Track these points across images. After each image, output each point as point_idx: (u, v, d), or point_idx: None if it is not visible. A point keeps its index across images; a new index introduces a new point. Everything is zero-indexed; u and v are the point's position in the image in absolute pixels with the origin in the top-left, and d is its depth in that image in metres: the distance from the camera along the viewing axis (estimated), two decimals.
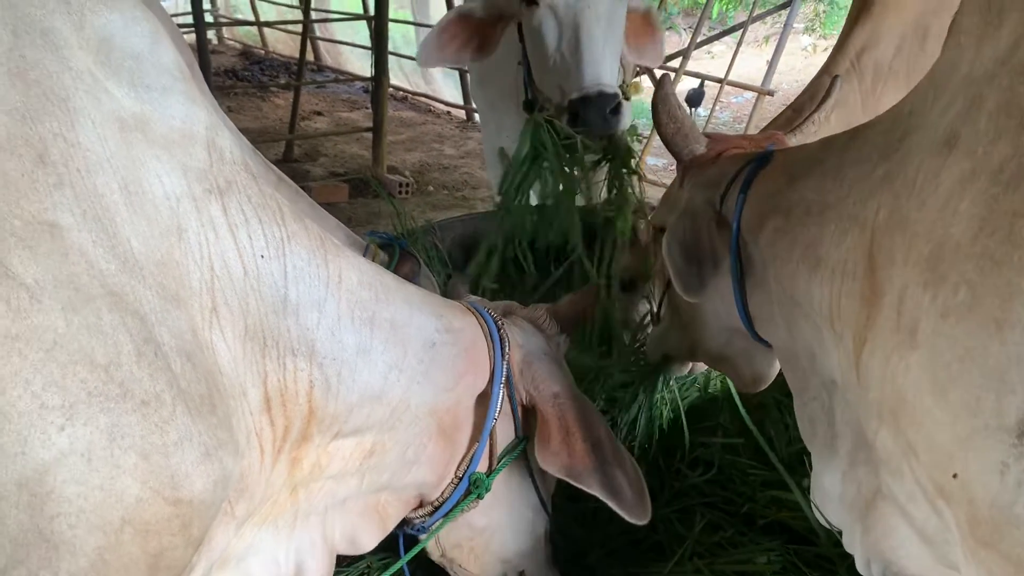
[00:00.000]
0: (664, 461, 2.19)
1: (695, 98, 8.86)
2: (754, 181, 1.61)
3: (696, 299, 1.67)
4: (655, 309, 2.22)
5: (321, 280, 1.25)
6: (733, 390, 2.10)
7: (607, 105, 2.19)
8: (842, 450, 1.39)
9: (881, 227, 1.09)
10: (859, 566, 1.39)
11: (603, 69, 2.23)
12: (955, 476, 0.86)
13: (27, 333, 0.82)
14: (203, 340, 1.06)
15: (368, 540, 1.55)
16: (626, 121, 2.35)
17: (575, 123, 2.24)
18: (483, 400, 1.54)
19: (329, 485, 1.41)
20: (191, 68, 1.21)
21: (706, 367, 2.30)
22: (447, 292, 2.05)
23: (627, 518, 1.48)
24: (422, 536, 1.63)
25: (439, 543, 1.69)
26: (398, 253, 2.12)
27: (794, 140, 1.98)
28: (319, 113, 9.13)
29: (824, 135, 1.60)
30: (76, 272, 0.88)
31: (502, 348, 1.55)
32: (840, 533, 1.46)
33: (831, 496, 1.43)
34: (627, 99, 2.34)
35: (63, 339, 0.85)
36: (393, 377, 1.38)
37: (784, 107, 2.81)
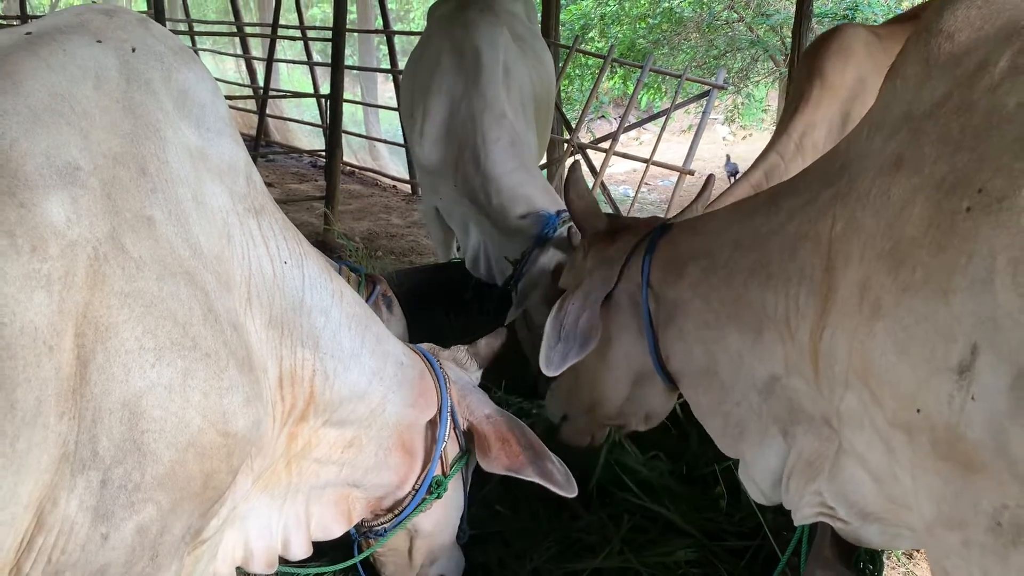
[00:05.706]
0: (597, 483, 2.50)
1: (733, 169, 10.39)
2: (658, 247, 1.91)
3: (553, 374, 1.88)
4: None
5: (328, 292, 1.57)
6: None
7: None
8: (776, 434, 1.64)
9: (839, 236, 1.36)
10: (805, 513, 1.61)
11: None
12: (919, 411, 1.13)
13: (134, 292, 1.13)
14: (242, 321, 1.36)
15: (337, 529, 1.81)
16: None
17: None
18: (432, 426, 1.86)
19: (314, 468, 1.69)
20: None
21: None
22: None
23: (561, 493, 1.79)
24: (374, 541, 1.93)
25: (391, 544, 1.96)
26: (364, 279, 2.56)
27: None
28: (270, 184, 9.33)
29: None
30: (164, 253, 1.19)
31: (445, 380, 1.88)
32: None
33: (774, 473, 1.67)
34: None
35: (156, 300, 1.15)
36: (376, 382, 1.69)
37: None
